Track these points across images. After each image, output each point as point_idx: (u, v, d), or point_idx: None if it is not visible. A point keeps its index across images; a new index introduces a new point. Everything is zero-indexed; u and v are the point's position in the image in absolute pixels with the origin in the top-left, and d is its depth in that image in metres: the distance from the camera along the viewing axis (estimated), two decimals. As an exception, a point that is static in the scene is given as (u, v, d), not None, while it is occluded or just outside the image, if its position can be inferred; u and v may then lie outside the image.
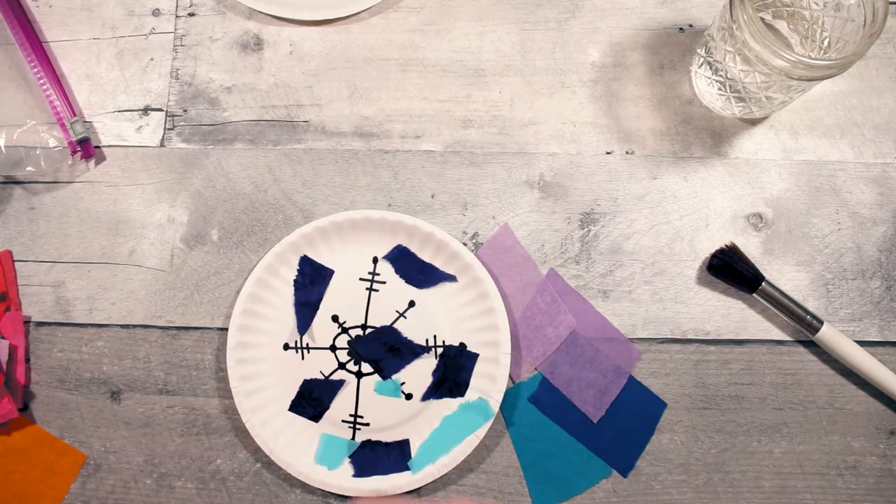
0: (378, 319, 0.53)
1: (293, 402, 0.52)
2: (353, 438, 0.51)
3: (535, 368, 0.52)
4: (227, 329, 0.52)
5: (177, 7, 0.59)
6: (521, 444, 0.51)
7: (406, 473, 0.50)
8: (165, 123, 0.57)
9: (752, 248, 0.54)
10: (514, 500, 0.51)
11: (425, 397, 0.52)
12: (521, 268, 0.54)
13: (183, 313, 0.53)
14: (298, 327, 0.53)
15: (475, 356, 0.52)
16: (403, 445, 0.51)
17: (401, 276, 0.53)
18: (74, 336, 0.53)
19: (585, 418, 0.52)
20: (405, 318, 0.53)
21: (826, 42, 0.51)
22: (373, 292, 0.53)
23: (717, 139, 0.56)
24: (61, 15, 0.59)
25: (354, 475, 0.50)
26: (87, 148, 0.55)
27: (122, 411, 0.52)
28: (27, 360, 0.53)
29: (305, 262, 0.53)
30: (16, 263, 0.54)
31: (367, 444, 0.51)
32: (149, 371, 0.53)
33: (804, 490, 0.51)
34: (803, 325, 0.51)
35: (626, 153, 0.56)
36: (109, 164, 0.56)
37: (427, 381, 0.52)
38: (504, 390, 0.50)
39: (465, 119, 0.56)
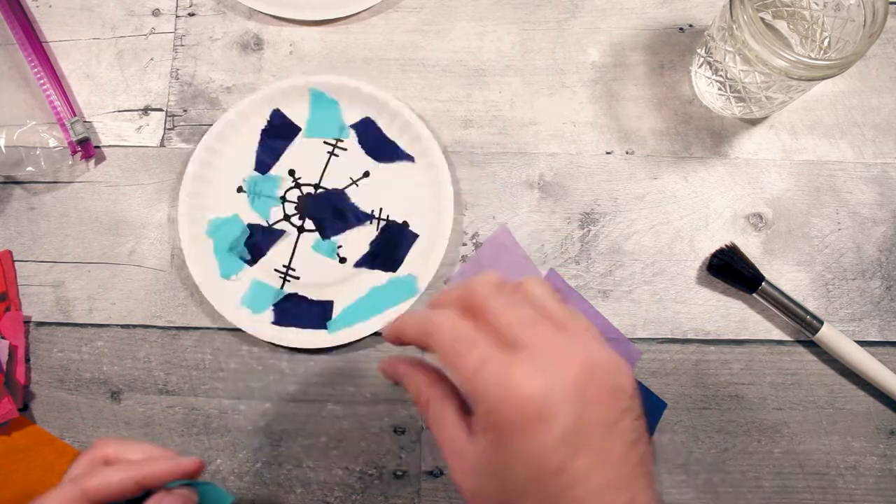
0: (332, 182, 0.54)
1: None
2: (282, 288, 0.53)
3: (535, 368, 0.52)
4: (226, 329, 0.52)
5: (177, 7, 0.59)
6: (521, 444, 0.51)
7: (322, 332, 0.51)
8: (165, 123, 0.57)
9: (752, 248, 0.54)
10: (514, 500, 0.51)
11: (358, 264, 0.53)
12: (520, 268, 0.54)
13: (183, 313, 0.53)
14: (256, 171, 0.54)
15: (415, 236, 0.53)
16: (326, 305, 0.52)
17: (362, 147, 0.55)
18: (74, 336, 0.53)
19: (585, 418, 0.51)
20: (357, 185, 0.54)
21: (826, 42, 0.51)
22: (333, 157, 0.55)
23: (717, 139, 0.56)
24: (61, 15, 0.59)
25: (273, 322, 0.51)
26: (87, 148, 0.55)
27: (122, 411, 0.52)
28: (27, 360, 0.53)
29: (276, 114, 0.55)
30: (16, 263, 0.54)
31: (293, 297, 0.52)
32: (149, 371, 0.53)
33: (804, 490, 0.51)
34: (803, 325, 0.51)
35: (626, 153, 0.56)
36: (109, 164, 0.56)
37: (364, 249, 0.53)
38: (435, 272, 0.51)
39: (465, 119, 0.56)
